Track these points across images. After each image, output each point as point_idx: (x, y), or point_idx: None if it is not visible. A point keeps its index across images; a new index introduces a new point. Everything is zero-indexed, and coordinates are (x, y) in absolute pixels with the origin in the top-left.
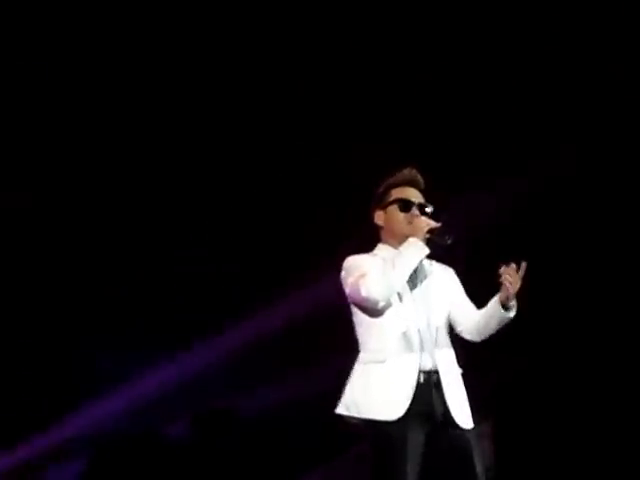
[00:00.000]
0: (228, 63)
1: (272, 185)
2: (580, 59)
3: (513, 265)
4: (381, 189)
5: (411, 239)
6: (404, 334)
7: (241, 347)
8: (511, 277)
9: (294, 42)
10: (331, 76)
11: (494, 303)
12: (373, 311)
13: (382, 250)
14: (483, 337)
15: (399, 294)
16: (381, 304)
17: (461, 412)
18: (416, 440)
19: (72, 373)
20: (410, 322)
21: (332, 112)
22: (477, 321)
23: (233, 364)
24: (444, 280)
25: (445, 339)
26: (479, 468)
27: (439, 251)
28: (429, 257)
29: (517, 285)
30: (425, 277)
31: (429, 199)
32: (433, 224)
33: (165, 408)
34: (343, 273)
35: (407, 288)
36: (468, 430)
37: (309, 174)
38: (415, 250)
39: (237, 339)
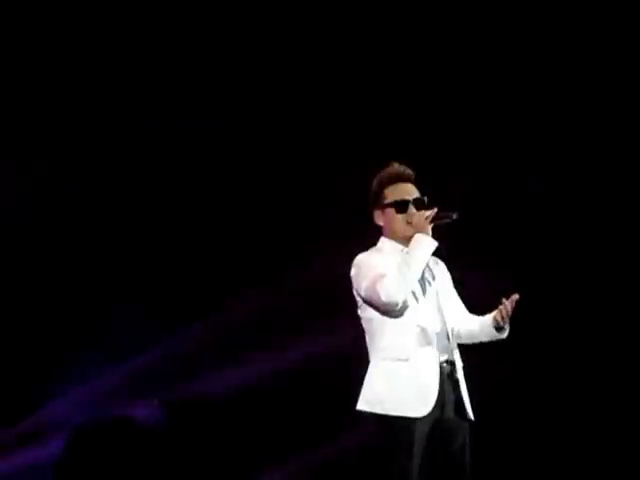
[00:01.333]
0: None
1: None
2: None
3: (516, 296)
4: (375, 188)
5: (418, 235)
6: (422, 330)
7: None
8: (509, 307)
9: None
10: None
11: (489, 321)
12: (393, 312)
13: (386, 244)
14: (469, 342)
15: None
16: (400, 306)
17: (469, 403)
18: (425, 431)
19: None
20: (425, 317)
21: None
22: (468, 327)
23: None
24: (442, 274)
25: (452, 331)
26: (468, 460)
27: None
28: None
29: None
30: (430, 270)
31: (421, 187)
32: (430, 213)
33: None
34: (354, 272)
35: (417, 283)
36: (468, 422)
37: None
38: (425, 246)
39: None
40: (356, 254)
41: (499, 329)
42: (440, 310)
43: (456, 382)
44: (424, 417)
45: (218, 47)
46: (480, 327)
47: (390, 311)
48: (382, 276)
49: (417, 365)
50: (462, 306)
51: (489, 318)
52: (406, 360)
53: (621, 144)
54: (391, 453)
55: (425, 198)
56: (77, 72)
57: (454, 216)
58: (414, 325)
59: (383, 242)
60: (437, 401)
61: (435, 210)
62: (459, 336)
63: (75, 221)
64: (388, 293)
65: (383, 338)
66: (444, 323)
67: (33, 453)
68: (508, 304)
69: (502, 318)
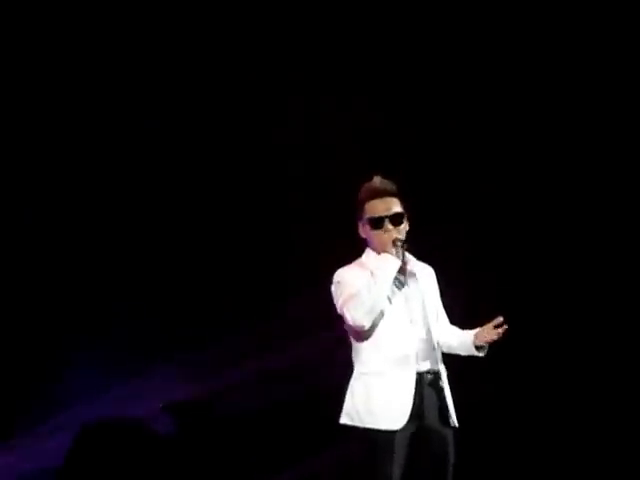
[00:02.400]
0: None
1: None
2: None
3: (500, 319)
4: (357, 202)
5: (382, 255)
6: (400, 343)
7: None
8: (494, 335)
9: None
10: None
11: (469, 338)
12: (362, 333)
13: (370, 257)
14: (447, 352)
15: (390, 299)
16: (367, 326)
17: (453, 411)
18: (405, 440)
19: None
20: (404, 329)
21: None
22: (447, 340)
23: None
24: (428, 281)
25: (436, 340)
26: (450, 466)
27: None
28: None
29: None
30: (415, 278)
31: (403, 201)
32: (394, 236)
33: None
34: (332, 287)
35: (399, 293)
36: (452, 429)
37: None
38: (387, 265)
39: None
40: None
41: (479, 348)
42: (425, 320)
43: (440, 390)
44: (403, 427)
45: (218, 47)
46: (459, 342)
47: (359, 332)
48: (351, 297)
49: (393, 379)
50: (444, 316)
51: (470, 336)
52: (382, 374)
53: (611, 143)
54: (374, 464)
55: (403, 213)
56: (77, 72)
57: (402, 245)
58: (391, 339)
59: (367, 254)
60: (414, 412)
61: (399, 236)
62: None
63: (72, 228)
64: (354, 317)
65: (362, 352)
66: (429, 333)
67: (37, 454)
68: (494, 333)
69: (485, 342)
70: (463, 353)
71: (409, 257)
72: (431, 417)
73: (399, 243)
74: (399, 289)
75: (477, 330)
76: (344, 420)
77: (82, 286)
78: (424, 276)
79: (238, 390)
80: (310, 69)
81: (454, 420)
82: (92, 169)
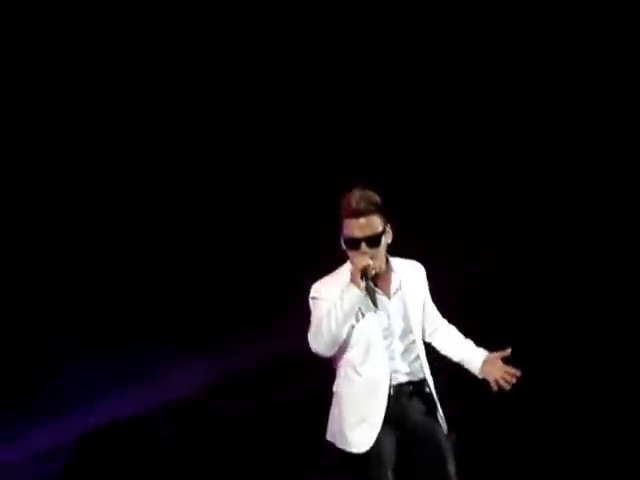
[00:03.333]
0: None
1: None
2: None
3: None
4: (338, 214)
5: (347, 286)
6: (371, 363)
7: None
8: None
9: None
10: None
11: (474, 362)
12: (334, 354)
13: (347, 271)
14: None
15: (361, 320)
16: (330, 355)
17: (442, 416)
18: (389, 448)
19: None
20: (378, 346)
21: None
22: (441, 345)
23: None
24: (416, 285)
25: (421, 348)
26: (453, 474)
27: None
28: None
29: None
30: (399, 287)
31: (384, 214)
32: (365, 263)
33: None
34: (310, 302)
35: (372, 314)
36: (443, 434)
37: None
38: (351, 298)
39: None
40: None
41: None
42: (406, 332)
43: (425, 396)
44: (385, 434)
45: (217, 47)
46: (459, 358)
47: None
48: (315, 329)
49: (363, 400)
50: (435, 315)
51: (476, 357)
52: (354, 395)
53: (609, 143)
54: (362, 469)
55: (380, 233)
56: (77, 72)
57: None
58: (363, 358)
59: (346, 267)
60: (394, 419)
61: (368, 263)
62: (430, 345)
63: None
64: (315, 349)
65: (335, 370)
66: (412, 344)
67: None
68: (504, 377)
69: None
70: (456, 362)
71: (395, 264)
72: (414, 417)
73: (368, 275)
74: (375, 304)
75: (485, 357)
76: (328, 437)
77: (79, 283)
78: (410, 280)
79: (238, 390)
80: (310, 69)
81: (443, 426)
82: (107, 171)
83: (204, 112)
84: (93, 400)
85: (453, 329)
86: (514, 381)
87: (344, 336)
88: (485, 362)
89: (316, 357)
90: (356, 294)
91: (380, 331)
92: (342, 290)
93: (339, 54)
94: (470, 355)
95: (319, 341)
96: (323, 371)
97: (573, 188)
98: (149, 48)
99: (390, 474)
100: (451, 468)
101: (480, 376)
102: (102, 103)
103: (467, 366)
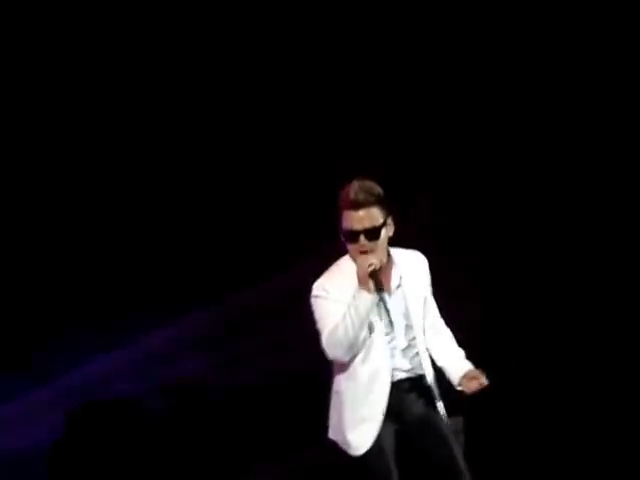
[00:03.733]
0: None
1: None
2: None
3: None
4: (337, 206)
5: (358, 292)
6: (371, 359)
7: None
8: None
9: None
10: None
11: (456, 375)
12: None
13: (348, 264)
14: None
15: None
16: (348, 358)
17: (443, 410)
18: (389, 441)
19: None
20: (378, 342)
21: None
22: (431, 346)
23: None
24: (417, 279)
25: (422, 344)
26: (459, 454)
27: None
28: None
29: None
30: (399, 284)
31: (385, 205)
32: (369, 267)
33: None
34: (312, 301)
35: (379, 305)
36: (443, 421)
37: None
38: (365, 302)
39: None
40: None
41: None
42: (407, 328)
43: (425, 391)
44: (385, 428)
45: (216, 47)
46: (445, 368)
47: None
48: (330, 335)
49: (362, 399)
50: (433, 317)
51: (458, 370)
52: (353, 394)
53: (607, 143)
54: (366, 463)
55: (380, 226)
56: (77, 72)
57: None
58: (362, 355)
59: (346, 260)
60: (394, 412)
61: (375, 262)
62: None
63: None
64: (335, 356)
65: (334, 368)
66: (413, 340)
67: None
68: (474, 385)
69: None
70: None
71: (396, 256)
72: (414, 408)
73: (375, 277)
74: (377, 305)
75: (466, 372)
76: (330, 434)
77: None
78: (412, 274)
79: (237, 367)
80: (309, 69)
81: (444, 416)
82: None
83: (204, 111)
84: (84, 375)
85: (448, 333)
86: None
87: (362, 340)
88: (464, 377)
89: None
90: (369, 298)
91: (381, 328)
92: (354, 297)
93: (339, 53)
94: (453, 366)
95: (337, 349)
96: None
97: (569, 193)
98: (149, 48)
99: (393, 465)
100: (457, 451)
101: (457, 387)
102: (100, 100)
103: (447, 375)
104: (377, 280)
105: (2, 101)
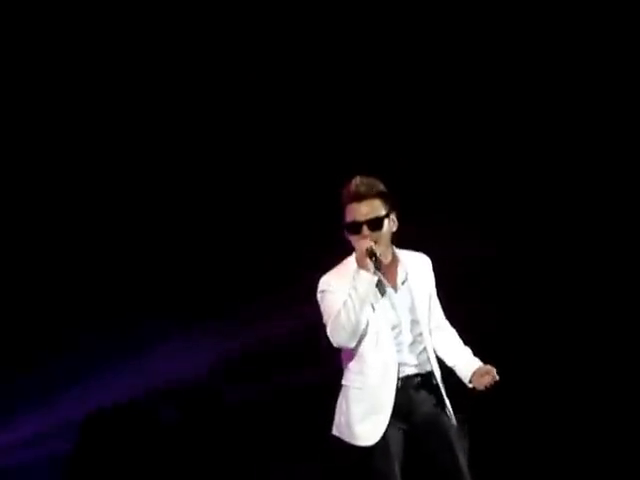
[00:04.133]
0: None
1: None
2: None
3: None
4: (340, 204)
5: (357, 273)
6: (380, 354)
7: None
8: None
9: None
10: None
11: (465, 371)
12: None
13: (353, 262)
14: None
15: (373, 308)
16: (352, 344)
17: (450, 408)
18: (396, 441)
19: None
20: (386, 337)
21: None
22: (438, 345)
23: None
24: (423, 277)
25: (428, 340)
26: (463, 461)
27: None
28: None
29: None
30: (405, 279)
31: (388, 200)
32: (369, 243)
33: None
34: (318, 297)
35: (382, 301)
36: (451, 426)
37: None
38: (362, 284)
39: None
40: None
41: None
42: (413, 324)
43: (433, 389)
44: (392, 426)
45: (216, 49)
46: (452, 365)
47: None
48: (333, 322)
49: (371, 393)
50: (438, 316)
51: (468, 366)
52: (361, 388)
53: (606, 143)
54: (369, 461)
55: (383, 217)
56: (77, 72)
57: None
58: (371, 349)
59: (352, 259)
60: (403, 412)
61: (371, 244)
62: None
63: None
64: (338, 342)
65: (343, 362)
66: (419, 336)
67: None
68: (485, 381)
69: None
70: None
71: (401, 255)
72: (423, 409)
73: (373, 257)
74: (382, 295)
75: (476, 369)
76: (334, 431)
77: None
78: (417, 272)
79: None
80: (308, 69)
81: (452, 418)
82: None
83: (205, 110)
84: (98, 383)
85: (453, 332)
86: (490, 383)
87: (364, 324)
88: (474, 374)
89: (321, 343)
90: (367, 278)
91: (388, 323)
92: (353, 277)
93: (339, 52)
94: (464, 364)
95: (341, 334)
96: (325, 355)
97: (572, 183)
98: (149, 48)
99: (397, 468)
100: (461, 457)
101: (469, 385)
102: (100, 99)
103: (458, 373)
104: (376, 260)
105: (2, 101)
